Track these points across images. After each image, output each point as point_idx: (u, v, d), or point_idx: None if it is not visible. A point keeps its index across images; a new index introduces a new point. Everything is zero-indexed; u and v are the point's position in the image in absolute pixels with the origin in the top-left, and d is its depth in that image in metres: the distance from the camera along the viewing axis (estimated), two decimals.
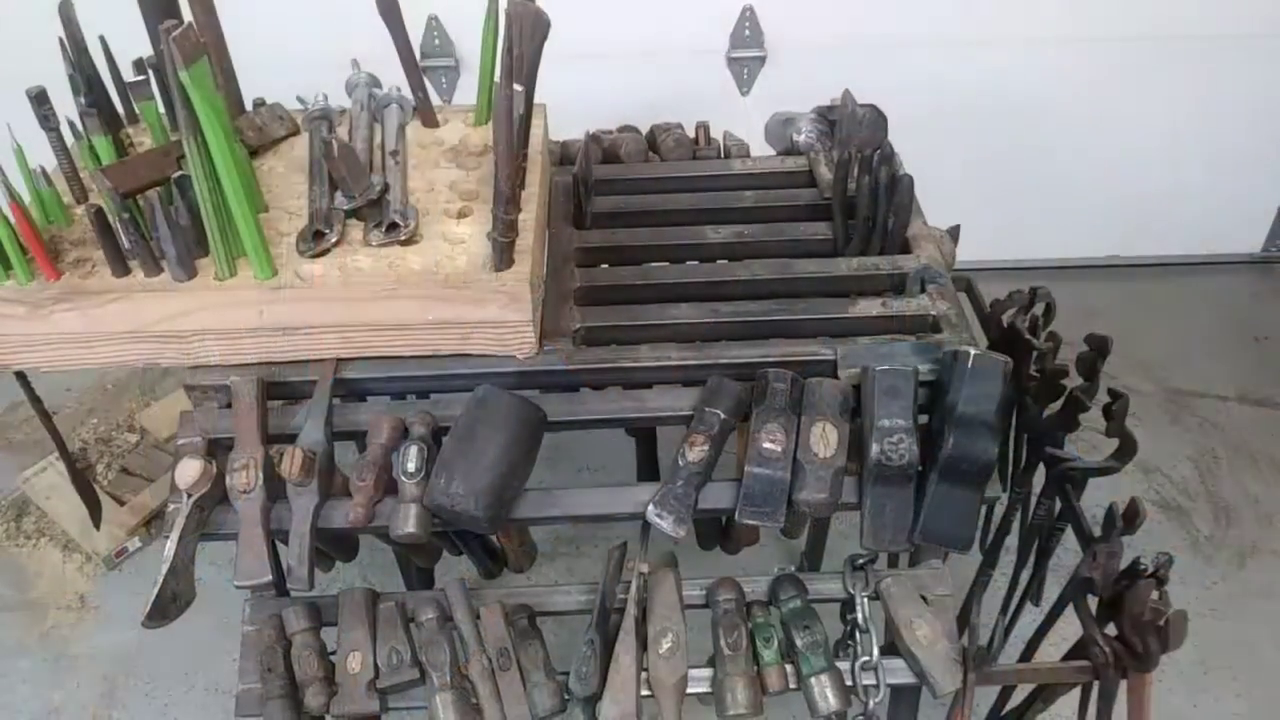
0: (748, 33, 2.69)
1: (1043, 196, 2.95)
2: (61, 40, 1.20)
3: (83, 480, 1.58)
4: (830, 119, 1.55)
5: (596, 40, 2.55)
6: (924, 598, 1.36)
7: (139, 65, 1.26)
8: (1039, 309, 1.57)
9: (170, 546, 1.12)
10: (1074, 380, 1.45)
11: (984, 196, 2.90)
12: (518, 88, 1.06)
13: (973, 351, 1.14)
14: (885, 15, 2.65)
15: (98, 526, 1.79)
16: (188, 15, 1.23)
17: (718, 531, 1.54)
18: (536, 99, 1.20)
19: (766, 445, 1.14)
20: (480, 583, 1.54)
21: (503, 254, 1.14)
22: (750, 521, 1.13)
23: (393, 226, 1.19)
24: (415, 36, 2.50)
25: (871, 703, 1.33)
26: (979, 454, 1.12)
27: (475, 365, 1.21)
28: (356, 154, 1.22)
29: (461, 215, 1.25)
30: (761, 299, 1.30)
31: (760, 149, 1.69)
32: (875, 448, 1.13)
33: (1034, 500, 1.55)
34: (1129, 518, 1.36)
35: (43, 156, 1.25)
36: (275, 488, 1.16)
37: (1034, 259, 3.10)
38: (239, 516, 1.14)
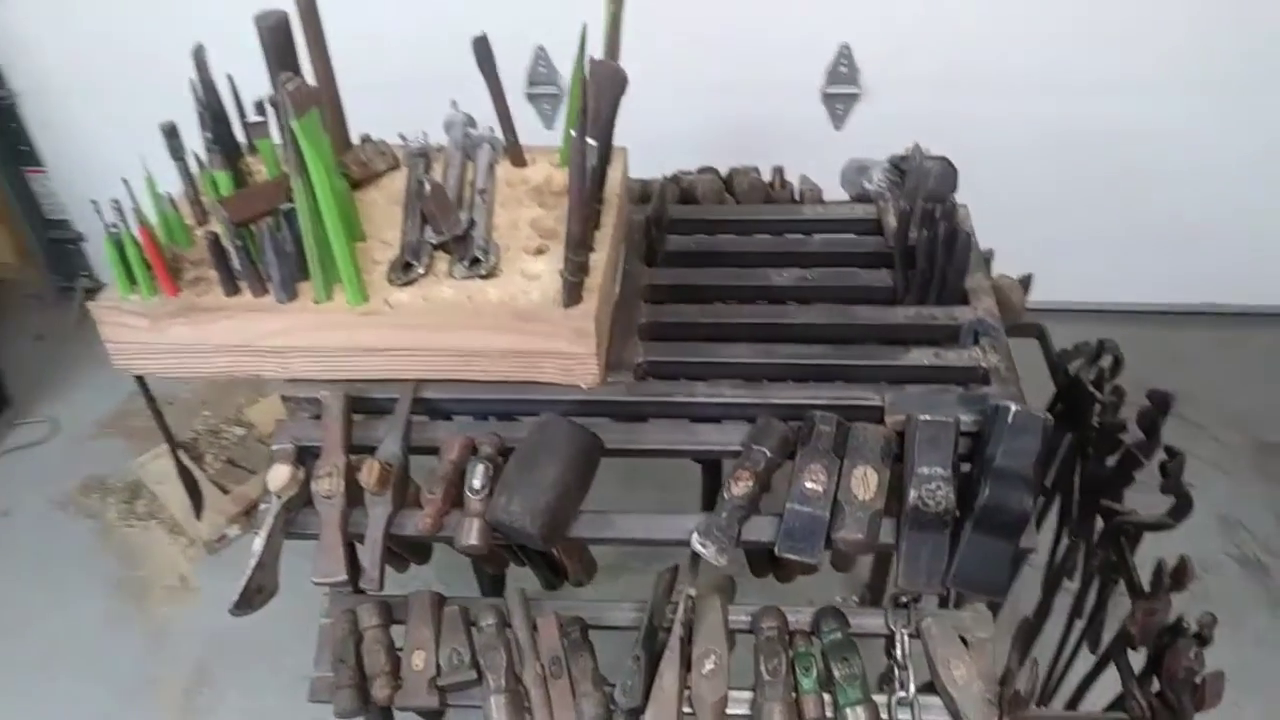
0: (844, 69, 2.73)
1: (1137, 239, 2.92)
2: (192, 81, 1.34)
3: (187, 472, 1.73)
4: (902, 168, 1.60)
5: (692, 70, 2.63)
6: (964, 639, 1.40)
7: (259, 106, 1.40)
8: (1106, 361, 1.59)
9: (258, 543, 1.24)
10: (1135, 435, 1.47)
11: (1076, 236, 2.89)
12: (591, 142, 1.15)
13: (1014, 407, 1.18)
14: (983, 54, 2.67)
15: (199, 515, 1.95)
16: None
17: (769, 560, 1.61)
18: (619, 140, 1.28)
19: (809, 485, 1.20)
20: (541, 593, 1.62)
21: (572, 292, 1.23)
22: (789, 556, 1.20)
23: (475, 261, 1.29)
24: (523, 66, 2.65)
25: None
26: (1014, 506, 1.16)
27: (544, 392, 1.31)
28: (446, 194, 1.33)
29: (539, 251, 1.34)
30: (817, 342, 1.36)
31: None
32: (913, 493, 1.19)
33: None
34: (1177, 576, 1.38)
35: (171, 184, 1.40)
36: (354, 494, 1.27)
37: (1124, 303, 3.07)
38: (320, 519, 1.26)
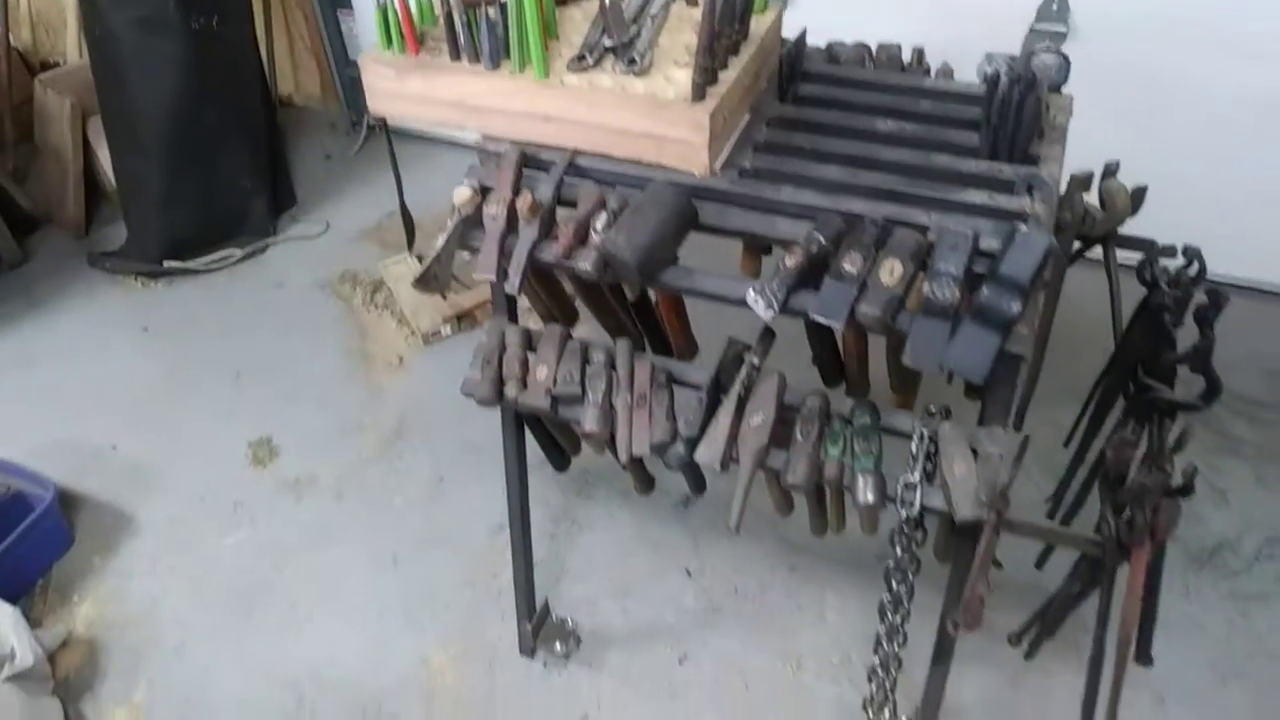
0: (1055, 7, 2.85)
1: None
2: None
3: (407, 212, 2.22)
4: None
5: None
6: (975, 451, 1.66)
7: None
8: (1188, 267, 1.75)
9: (440, 240, 1.68)
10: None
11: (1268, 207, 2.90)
12: None
13: (1024, 227, 1.43)
14: (1204, 9, 2.67)
15: (410, 246, 2.51)
16: None
17: (838, 371, 1.90)
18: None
19: (846, 266, 1.50)
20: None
21: (696, 91, 1.58)
22: (817, 317, 1.50)
23: (632, 62, 1.67)
24: None
25: (904, 513, 1.65)
26: (1005, 308, 1.41)
27: (665, 173, 1.67)
28: (621, 10, 1.71)
29: (684, 66, 1.70)
30: (894, 175, 1.64)
31: None
32: (928, 286, 1.46)
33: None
34: (1180, 439, 1.55)
35: None
36: (513, 224, 1.69)
37: None
38: (485, 234, 1.69)
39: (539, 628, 2.29)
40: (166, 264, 3.45)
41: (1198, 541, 2.48)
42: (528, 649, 2.29)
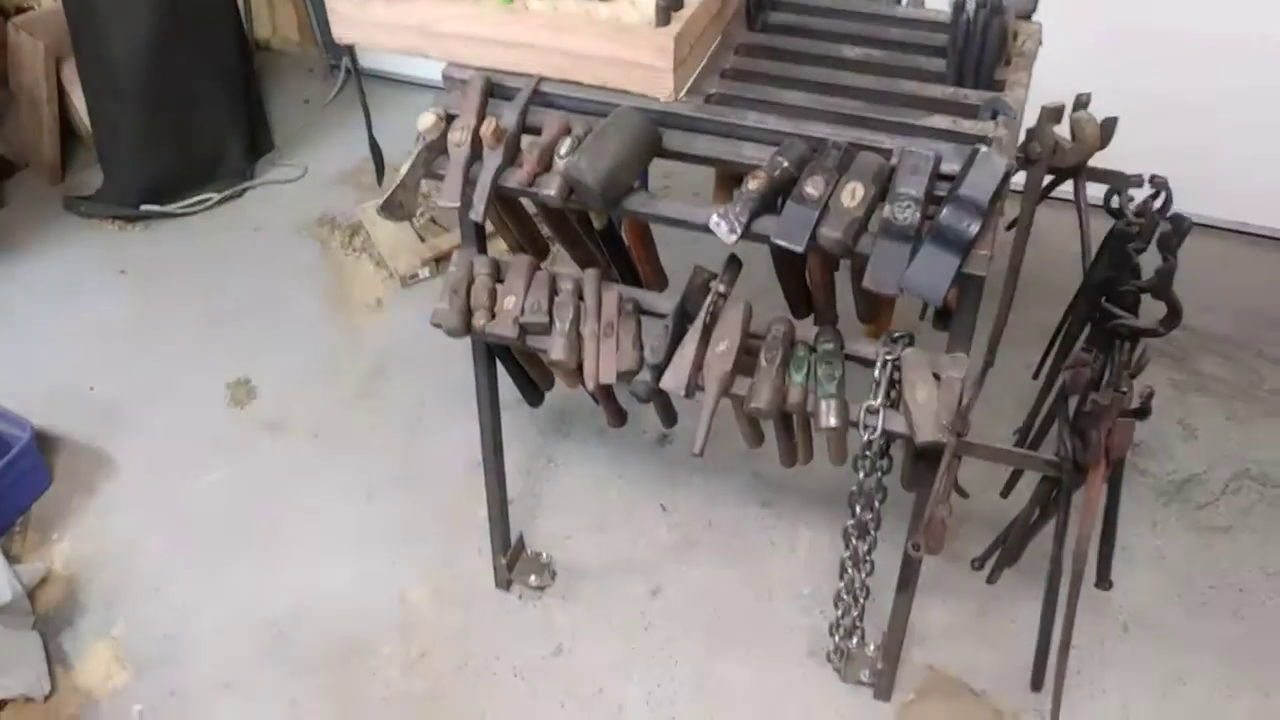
0: None
1: None
2: None
3: (376, 146, 2.22)
4: None
5: None
6: (937, 376, 1.68)
7: None
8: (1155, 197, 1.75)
9: (405, 167, 1.68)
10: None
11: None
12: None
13: (983, 149, 1.44)
14: None
15: (380, 182, 2.51)
16: None
17: (806, 302, 1.91)
18: None
19: (808, 190, 1.50)
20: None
21: (661, 15, 1.58)
22: (779, 242, 1.51)
23: None
24: None
25: (867, 436, 1.67)
26: (963, 228, 1.42)
27: (630, 100, 1.66)
28: None
29: None
30: (859, 100, 1.64)
31: None
32: (888, 208, 1.47)
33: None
34: (1139, 363, 1.57)
35: None
36: (478, 150, 1.69)
37: None
38: (450, 161, 1.68)
39: (514, 561, 2.32)
40: (143, 208, 3.42)
41: (1166, 476, 2.51)
42: (503, 582, 2.31)
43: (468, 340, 1.90)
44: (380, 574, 2.37)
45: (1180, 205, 1.74)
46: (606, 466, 2.59)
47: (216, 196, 3.52)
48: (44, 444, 2.64)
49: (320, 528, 2.48)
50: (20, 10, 3.76)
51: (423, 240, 3.31)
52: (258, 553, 2.44)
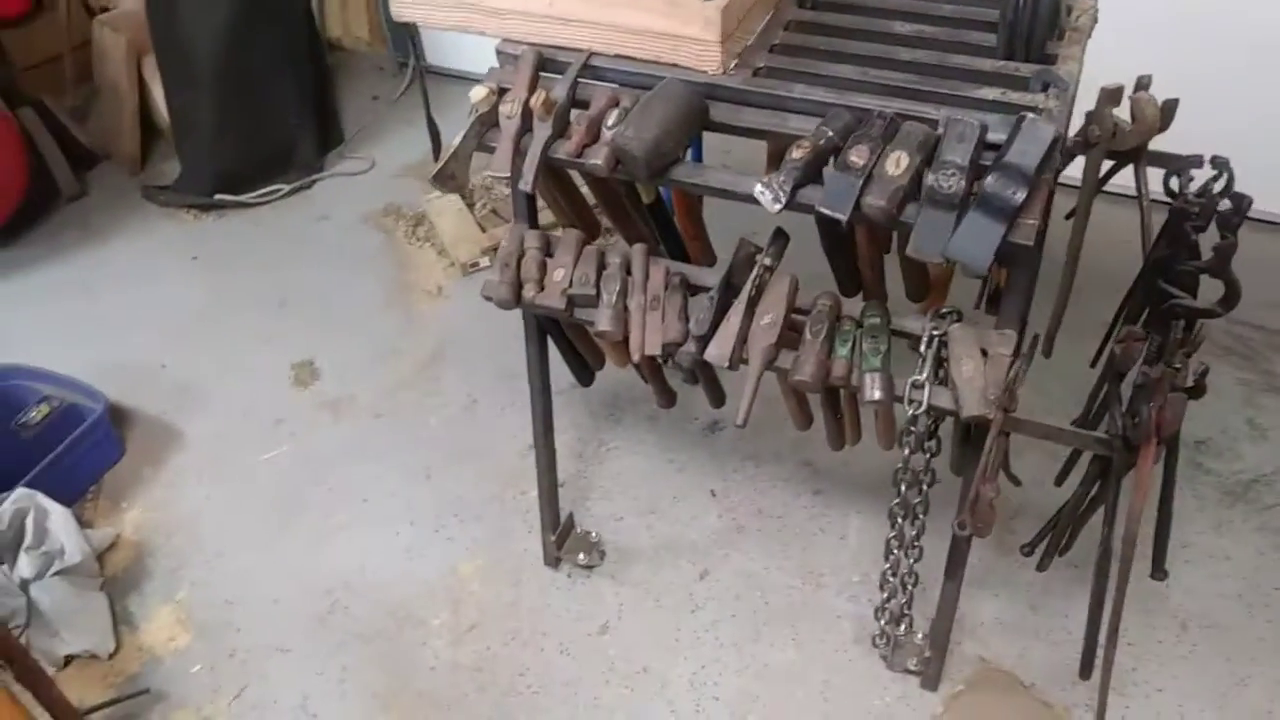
0: None
1: None
2: None
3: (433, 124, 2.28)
4: None
5: None
6: (984, 352, 1.66)
7: None
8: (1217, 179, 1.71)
9: (457, 139, 1.72)
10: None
11: None
12: None
13: (1031, 116, 1.42)
14: None
15: (436, 158, 2.57)
16: None
17: (855, 279, 1.90)
18: None
19: (852, 158, 1.50)
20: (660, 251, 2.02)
21: None
22: (823, 210, 1.51)
23: None
24: None
25: (912, 411, 1.66)
26: (1009, 196, 1.40)
27: (679, 73, 1.68)
28: None
29: None
30: (907, 73, 1.63)
31: None
32: (932, 177, 1.46)
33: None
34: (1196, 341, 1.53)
35: None
36: (528, 122, 1.72)
37: None
38: (501, 133, 1.72)
39: (563, 539, 2.34)
40: (217, 197, 3.54)
41: (1233, 476, 2.43)
42: (552, 559, 2.34)
43: (522, 327, 1.93)
44: (433, 549, 2.41)
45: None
46: (657, 452, 2.60)
47: (287, 187, 3.62)
48: (117, 417, 2.75)
49: (376, 502, 2.54)
50: (105, 9, 3.93)
51: (484, 230, 3.37)
52: (316, 525, 2.50)
